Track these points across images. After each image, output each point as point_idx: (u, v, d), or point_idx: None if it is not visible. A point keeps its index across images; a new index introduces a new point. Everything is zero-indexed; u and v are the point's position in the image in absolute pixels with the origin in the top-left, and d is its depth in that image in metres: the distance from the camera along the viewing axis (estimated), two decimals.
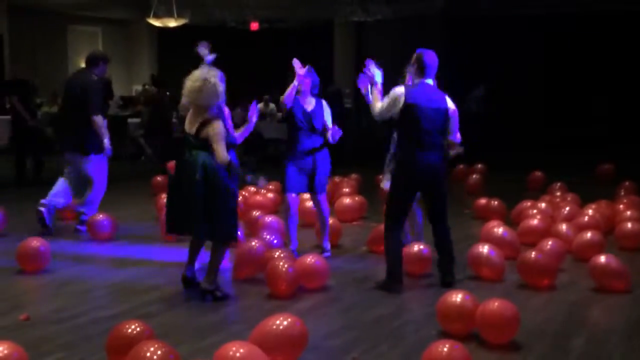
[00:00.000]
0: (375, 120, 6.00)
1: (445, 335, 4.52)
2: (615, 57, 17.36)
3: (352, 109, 16.75)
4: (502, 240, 6.62)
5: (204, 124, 5.30)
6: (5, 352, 3.65)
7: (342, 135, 6.57)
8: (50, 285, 5.92)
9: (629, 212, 7.92)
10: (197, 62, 5.72)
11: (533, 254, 5.90)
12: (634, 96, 17.10)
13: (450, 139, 5.89)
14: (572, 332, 4.86)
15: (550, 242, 6.46)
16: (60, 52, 19.52)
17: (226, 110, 5.79)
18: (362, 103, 6.07)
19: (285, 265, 5.51)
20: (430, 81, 5.79)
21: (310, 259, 5.77)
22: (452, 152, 6.00)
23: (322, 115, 6.65)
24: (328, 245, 6.93)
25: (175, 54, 18.63)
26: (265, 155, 15.08)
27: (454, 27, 17.39)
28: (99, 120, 7.63)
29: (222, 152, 5.23)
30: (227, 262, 6.03)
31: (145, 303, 5.39)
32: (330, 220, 7.04)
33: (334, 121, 6.74)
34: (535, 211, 7.96)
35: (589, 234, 6.81)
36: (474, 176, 11.36)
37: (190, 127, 5.42)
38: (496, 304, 4.58)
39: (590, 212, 7.93)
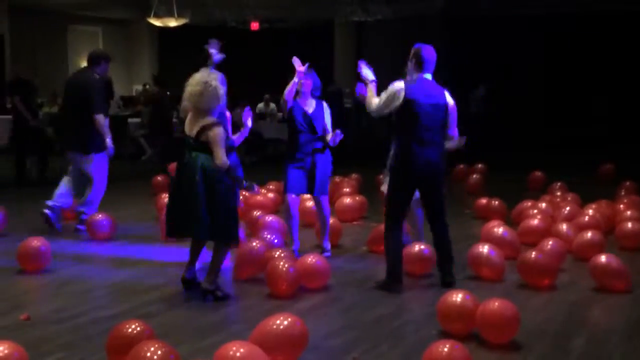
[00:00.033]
0: (373, 117, 5.99)
1: (445, 335, 4.52)
2: (615, 57, 17.38)
3: (352, 109, 16.75)
4: (502, 240, 6.61)
5: (205, 128, 5.27)
6: (6, 352, 3.65)
7: (343, 137, 6.56)
8: (50, 285, 5.92)
9: (629, 212, 7.92)
10: (198, 61, 5.71)
11: (533, 253, 5.89)
12: (634, 96, 17.12)
13: (447, 133, 5.87)
14: (572, 332, 4.86)
15: (550, 242, 6.45)
16: (61, 52, 19.52)
17: (227, 113, 5.78)
18: (362, 103, 6.06)
19: (286, 265, 5.50)
20: (428, 76, 5.75)
21: (310, 259, 5.77)
22: (453, 145, 5.98)
23: (323, 118, 6.63)
24: (328, 245, 6.92)
25: (176, 53, 18.69)
26: (265, 155, 15.08)
27: (454, 27, 17.39)
28: (101, 119, 7.62)
29: (221, 157, 5.23)
30: (228, 262, 6.03)
31: (145, 303, 5.39)
32: (331, 220, 7.03)
33: (334, 121, 6.74)
34: (535, 211, 7.96)
35: (589, 234, 6.81)
36: (475, 176, 11.35)
37: (190, 129, 5.39)
38: (496, 304, 4.58)
39: (590, 212, 7.92)
